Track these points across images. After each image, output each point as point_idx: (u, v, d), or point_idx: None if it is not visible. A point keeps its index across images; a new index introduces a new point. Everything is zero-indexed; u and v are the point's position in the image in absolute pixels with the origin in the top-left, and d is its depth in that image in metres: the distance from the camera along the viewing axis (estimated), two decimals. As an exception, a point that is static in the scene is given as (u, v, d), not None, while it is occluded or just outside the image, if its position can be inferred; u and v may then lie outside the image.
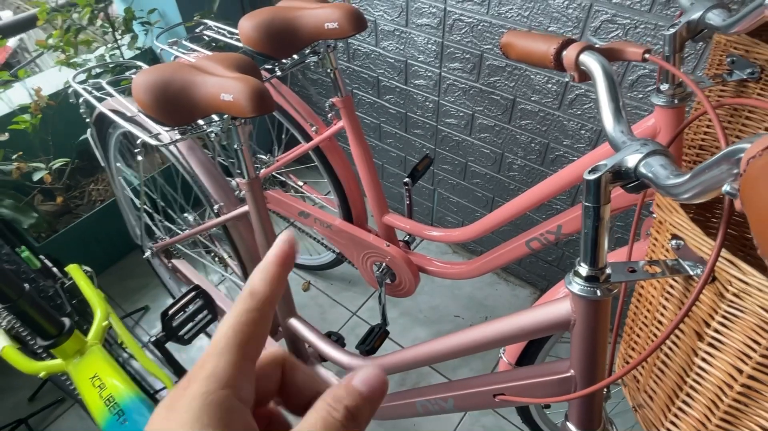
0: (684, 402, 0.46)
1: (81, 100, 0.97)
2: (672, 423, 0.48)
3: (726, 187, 0.28)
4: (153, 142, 0.89)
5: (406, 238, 1.25)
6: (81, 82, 0.99)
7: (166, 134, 0.90)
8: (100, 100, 1.00)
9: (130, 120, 1.02)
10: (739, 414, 0.41)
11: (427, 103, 1.38)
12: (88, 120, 1.04)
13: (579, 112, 1.10)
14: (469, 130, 1.34)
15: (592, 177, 0.41)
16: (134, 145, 0.97)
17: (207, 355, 0.21)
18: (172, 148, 1.00)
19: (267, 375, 0.23)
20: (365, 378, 0.21)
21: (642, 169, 0.39)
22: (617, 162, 0.40)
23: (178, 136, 0.85)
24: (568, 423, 0.56)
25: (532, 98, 1.15)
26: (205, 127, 0.85)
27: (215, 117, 0.87)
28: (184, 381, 0.20)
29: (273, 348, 0.25)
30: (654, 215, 0.78)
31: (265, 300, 0.22)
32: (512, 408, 1.29)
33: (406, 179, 1.14)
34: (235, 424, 0.19)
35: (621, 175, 0.40)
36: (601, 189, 0.41)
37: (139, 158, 0.96)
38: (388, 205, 1.19)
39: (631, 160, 0.40)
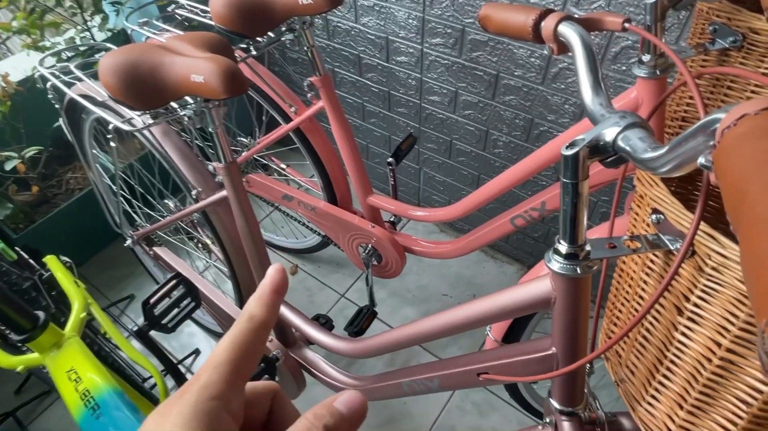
0: (664, 376, 0.46)
1: (49, 85, 0.94)
2: (652, 396, 0.48)
3: (701, 159, 0.27)
4: (125, 127, 0.86)
5: (391, 219, 1.24)
6: (50, 67, 0.95)
7: (139, 119, 0.87)
8: (69, 85, 0.96)
9: (102, 105, 0.98)
10: (718, 386, 0.41)
11: (410, 81, 1.35)
12: (58, 106, 1.00)
13: (563, 86, 1.08)
14: (453, 107, 1.32)
15: (569, 152, 0.40)
16: (108, 131, 0.94)
17: (203, 368, 0.22)
18: (146, 133, 0.97)
19: (257, 403, 0.25)
20: (347, 400, 0.23)
21: (620, 143, 0.38)
22: (595, 136, 0.39)
23: (151, 121, 0.82)
24: (551, 400, 0.56)
25: (516, 73, 1.13)
26: (178, 110, 0.82)
27: (189, 99, 0.84)
28: (180, 391, 0.22)
29: (267, 381, 0.27)
30: (636, 190, 0.78)
31: (262, 324, 0.24)
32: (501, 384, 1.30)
33: (390, 159, 1.12)
34: None
35: (599, 150, 0.39)
36: (579, 164, 0.40)
37: (113, 144, 0.93)
38: (375, 186, 1.18)
39: (609, 134, 0.39)
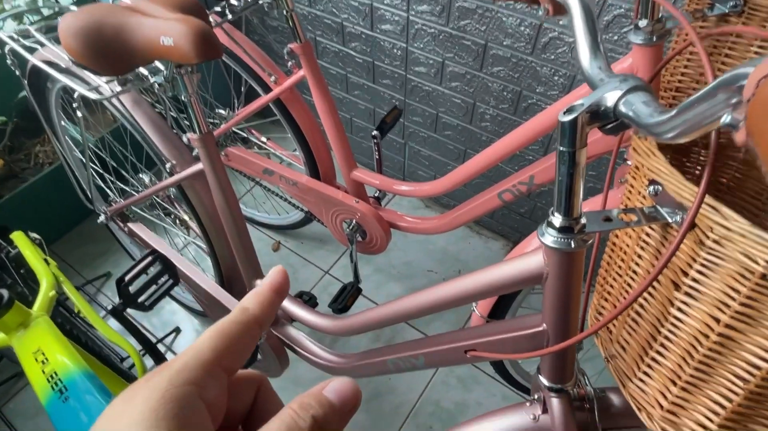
0: (658, 352, 0.45)
1: (7, 49, 0.87)
2: (644, 373, 0.47)
3: (726, 118, 0.24)
4: (92, 95, 0.81)
5: (376, 194, 1.21)
6: (10, 32, 0.88)
7: (106, 87, 0.81)
8: (31, 50, 0.90)
9: (66, 72, 0.92)
10: (714, 363, 0.40)
11: (395, 51, 1.30)
12: (18, 72, 0.93)
13: (552, 57, 1.05)
14: (440, 78, 1.28)
15: (567, 118, 0.37)
16: (75, 100, 0.89)
17: (180, 354, 0.21)
18: (115, 102, 0.91)
19: (239, 394, 0.23)
20: (338, 388, 0.21)
21: (622, 108, 0.35)
22: (595, 101, 0.37)
23: (119, 88, 0.77)
24: (540, 377, 0.54)
25: (504, 43, 1.09)
26: (148, 77, 0.77)
27: (160, 66, 0.79)
28: (149, 374, 0.20)
29: (251, 370, 0.25)
30: (629, 162, 0.76)
31: (254, 319, 0.22)
32: (485, 359, 1.31)
33: (375, 132, 1.09)
34: (191, 422, 0.19)
35: (599, 115, 0.37)
36: (577, 131, 0.37)
37: (80, 114, 0.87)
38: (359, 161, 1.14)
39: (610, 98, 0.36)
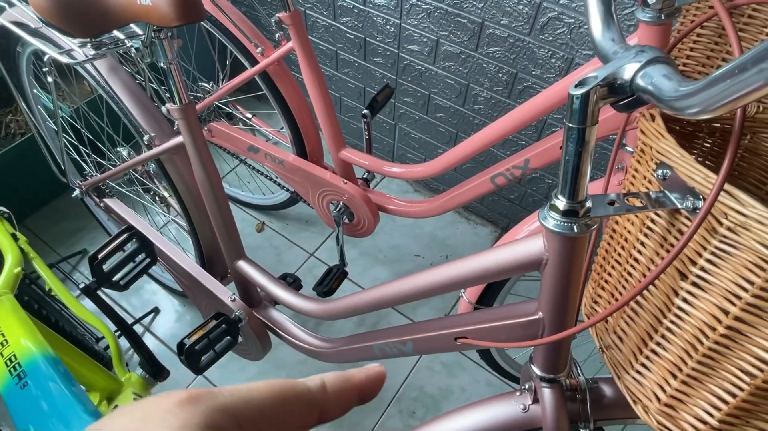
0: (658, 344, 0.43)
1: (-29, 7, 0.81)
2: (642, 365, 0.45)
3: None
4: (63, 59, 0.76)
5: (364, 176, 1.17)
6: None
7: (80, 51, 0.76)
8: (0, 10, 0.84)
9: (37, 34, 0.86)
10: (719, 357, 0.38)
11: (388, 27, 1.26)
12: (-16, 33, 0.87)
13: (551, 38, 1.02)
14: (433, 57, 1.24)
15: (579, 91, 0.34)
16: (46, 65, 0.83)
17: (226, 392, 0.17)
18: (89, 68, 0.86)
19: None
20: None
21: (640, 81, 0.32)
22: (611, 73, 0.34)
23: (93, 52, 0.72)
24: (531, 366, 0.52)
25: (502, 21, 1.06)
26: (124, 41, 0.72)
27: (137, 30, 0.74)
28: (176, 395, 0.16)
29: None
30: (628, 148, 0.73)
31: (321, 402, 0.19)
32: (471, 345, 1.30)
33: (365, 111, 1.05)
34: None
35: (614, 89, 0.34)
36: (589, 106, 0.35)
37: (50, 79, 0.82)
38: (348, 142, 1.10)
39: (627, 71, 0.33)
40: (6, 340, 0.49)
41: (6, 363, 0.47)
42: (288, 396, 0.18)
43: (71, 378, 0.45)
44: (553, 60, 1.05)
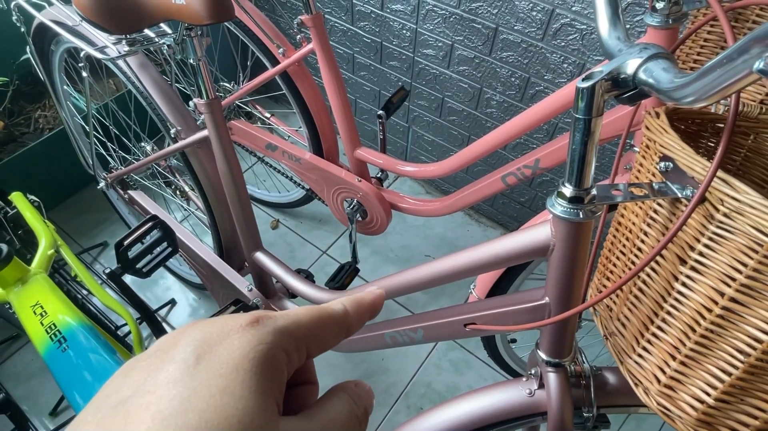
0: (658, 327, 0.45)
1: (13, 5, 0.86)
2: (644, 349, 0.47)
3: (758, 64, 0.24)
4: (98, 55, 0.80)
5: (378, 175, 1.20)
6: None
7: (113, 48, 0.80)
8: (38, 8, 0.88)
9: (74, 31, 0.91)
10: (715, 337, 0.40)
11: (404, 31, 1.29)
12: (23, 29, 0.92)
13: (563, 44, 1.05)
14: (448, 61, 1.27)
15: (585, 84, 0.37)
16: (81, 60, 0.87)
17: (279, 315, 0.20)
18: (122, 65, 0.90)
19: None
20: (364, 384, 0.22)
21: (641, 75, 0.35)
22: (615, 68, 0.36)
23: (127, 49, 0.76)
24: (538, 351, 0.55)
25: (515, 27, 1.09)
26: (156, 38, 0.76)
27: (167, 29, 0.78)
28: (230, 319, 0.19)
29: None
30: (635, 149, 0.76)
31: (347, 322, 0.22)
32: (479, 344, 1.31)
33: (380, 112, 1.08)
34: (273, 391, 0.18)
35: (618, 83, 0.37)
36: (594, 99, 0.37)
37: (84, 74, 0.86)
38: (362, 143, 1.14)
39: (630, 66, 0.36)
40: (45, 311, 0.53)
41: (46, 330, 0.50)
42: (325, 318, 0.21)
43: (110, 346, 0.49)
44: (565, 65, 1.07)
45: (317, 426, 0.19)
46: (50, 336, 0.50)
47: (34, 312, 0.54)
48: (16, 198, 0.92)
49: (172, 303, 1.41)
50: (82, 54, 0.81)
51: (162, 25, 0.77)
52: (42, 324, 0.51)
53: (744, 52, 0.25)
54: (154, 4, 0.65)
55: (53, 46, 1.10)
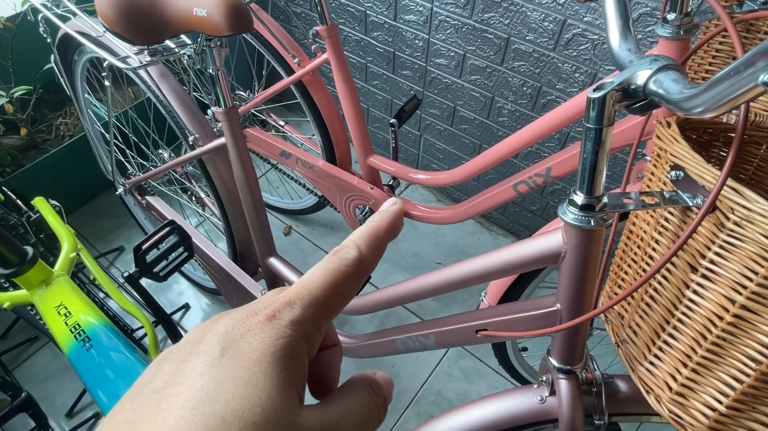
0: (670, 335, 0.45)
1: (41, 17, 0.89)
2: (656, 356, 0.47)
3: (763, 77, 0.25)
4: (121, 65, 0.83)
5: (390, 182, 1.22)
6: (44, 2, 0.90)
7: (135, 58, 0.83)
8: (63, 19, 0.91)
9: (97, 42, 0.94)
10: (726, 344, 0.40)
11: (417, 41, 1.31)
12: (49, 40, 0.95)
13: (575, 54, 1.05)
14: (460, 71, 1.28)
15: (596, 95, 0.38)
16: (103, 69, 0.90)
17: (293, 296, 0.19)
18: (142, 74, 0.93)
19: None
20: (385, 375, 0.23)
21: (652, 86, 0.36)
22: (626, 78, 0.37)
23: (148, 59, 0.78)
24: (550, 358, 0.55)
25: (527, 37, 1.10)
26: (177, 49, 0.79)
27: (187, 40, 0.80)
28: (244, 310, 0.19)
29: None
30: (647, 158, 0.76)
31: (365, 261, 0.21)
32: (490, 352, 1.31)
33: (393, 120, 1.10)
34: (295, 381, 0.18)
35: (629, 93, 0.37)
36: (605, 109, 0.38)
37: (107, 83, 0.89)
38: (374, 151, 1.15)
39: (640, 77, 0.37)
40: (69, 312, 0.55)
41: (71, 330, 0.52)
42: (339, 279, 0.20)
43: (130, 343, 0.50)
44: (577, 75, 1.08)
45: (336, 414, 0.19)
46: (75, 336, 0.51)
47: (59, 312, 0.56)
48: (39, 202, 0.94)
49: (186, 307, 1.43)
50: (105, 63, 0.84)
51: (182, 36, 0.80)
52: (66, 324, 0.53)
53: (750, 64, 0.26)
54: (176, 15, 0.68)
55: (76, 56, 1.14)
